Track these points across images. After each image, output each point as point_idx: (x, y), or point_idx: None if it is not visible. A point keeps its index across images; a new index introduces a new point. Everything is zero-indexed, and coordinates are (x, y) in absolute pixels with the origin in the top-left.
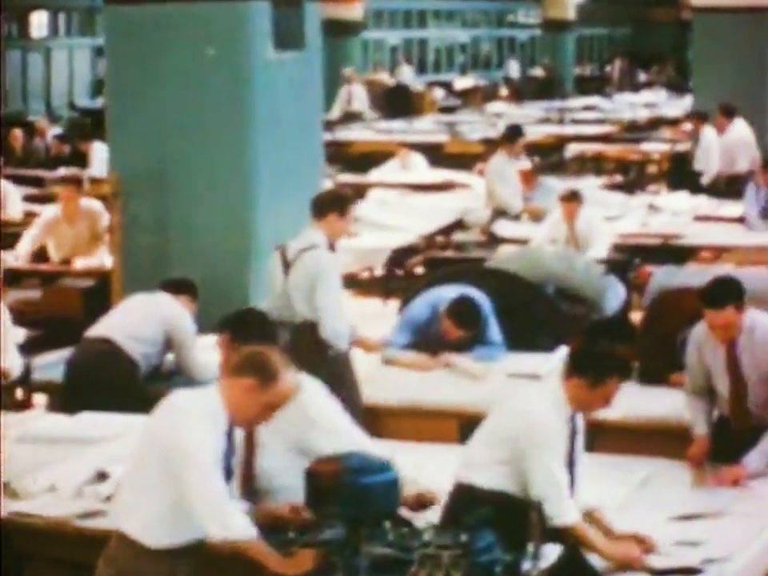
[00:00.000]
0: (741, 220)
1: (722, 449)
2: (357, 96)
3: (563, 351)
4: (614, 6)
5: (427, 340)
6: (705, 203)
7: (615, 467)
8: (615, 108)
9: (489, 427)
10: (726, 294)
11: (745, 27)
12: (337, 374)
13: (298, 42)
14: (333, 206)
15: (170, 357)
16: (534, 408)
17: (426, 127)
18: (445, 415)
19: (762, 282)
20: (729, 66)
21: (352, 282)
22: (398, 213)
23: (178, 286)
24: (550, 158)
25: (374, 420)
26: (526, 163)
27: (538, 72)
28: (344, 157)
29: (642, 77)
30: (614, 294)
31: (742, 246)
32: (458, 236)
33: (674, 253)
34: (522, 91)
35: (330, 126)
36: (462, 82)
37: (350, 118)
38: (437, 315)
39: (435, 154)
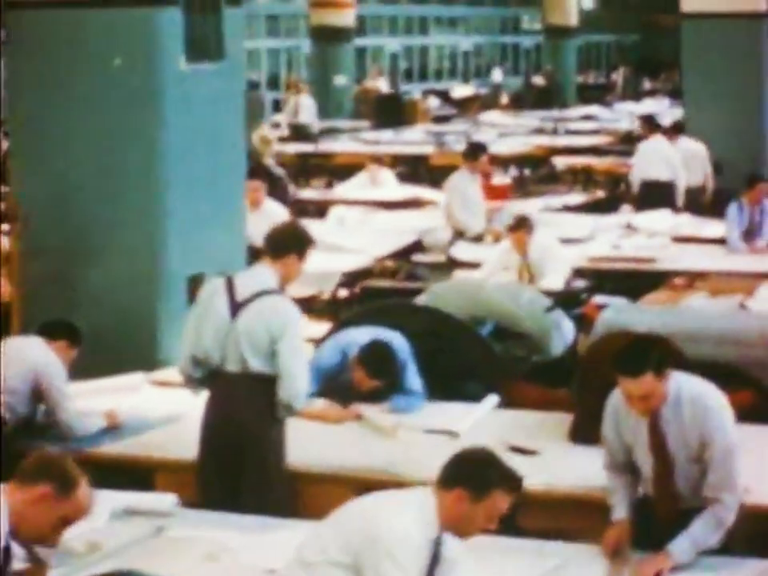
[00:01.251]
0: (723, 241)
1: (644, 534)
2: (305, 107)
3: (492, 401)
4: (622, 12)
5: (338, 389)
6: (687, 222)
7: (526, 552)
8: (614, 117)
9: (335, 523)
10: (644, 358)
11: (735, 33)
12: (277, 440)
13: (216, 53)
14: (293, 245)
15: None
16: (389, 517)
17: (415, 138)
18: (339, 481)
19: (733, 322)
20: (720, 72)
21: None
22: (354, 233)
23: (53, 331)
24: (538, 170)
25: None
26: (504, 178)
27: (538, 80)
28: (327, 168)
29: (647, 85)
30: (560, 333)
31: (719, 272)
32: (419, 257)
33: (646, 279)
34: (522, 100)
35: (312, 137)
36: (461, 91)
37: (296, 130)
38: (347, 362)
39: (420, 167)
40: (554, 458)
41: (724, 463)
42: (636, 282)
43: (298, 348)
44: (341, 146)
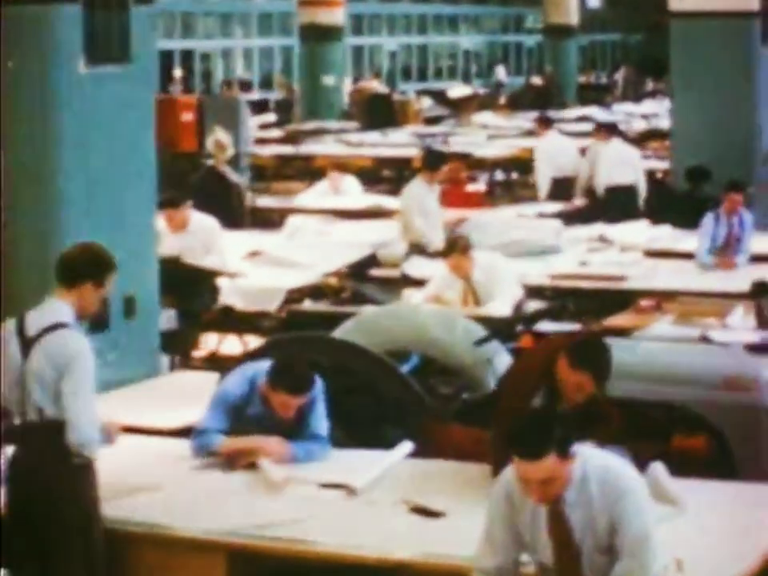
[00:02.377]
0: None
1: None
2: None
3: (404, 449)
4: (628, 12)
5: (246, 424)
6: (666, 235)
7: None
8: (611, 118)
9: None
10: (545, 437)
11: (726, 33)
12: (79, 491)
13: (122, 54)
14: (88, 273)
15: None
16: None
17: (402, 140)
18: (208, 547)
19: (689, 359)
20: (709, 74)
21: (243, 326)
22: (307, 245)
23: None
24: (524, 175)
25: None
26: (478, 185)
27: (536, 80)
28: (310, 171)
29: (650, 85)
30: (494, 369)
31: (691, 292)
32: (376, 272)
33: (613, 299)
34: (520, 100)
35: (293, 139)
36: (458, 90)
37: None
38: (256, 392)
39: (405, 170)
40: (462, 521)
41: (638, 552)
42: (602, 302)
43: (82, 387)
44: (323, 148)
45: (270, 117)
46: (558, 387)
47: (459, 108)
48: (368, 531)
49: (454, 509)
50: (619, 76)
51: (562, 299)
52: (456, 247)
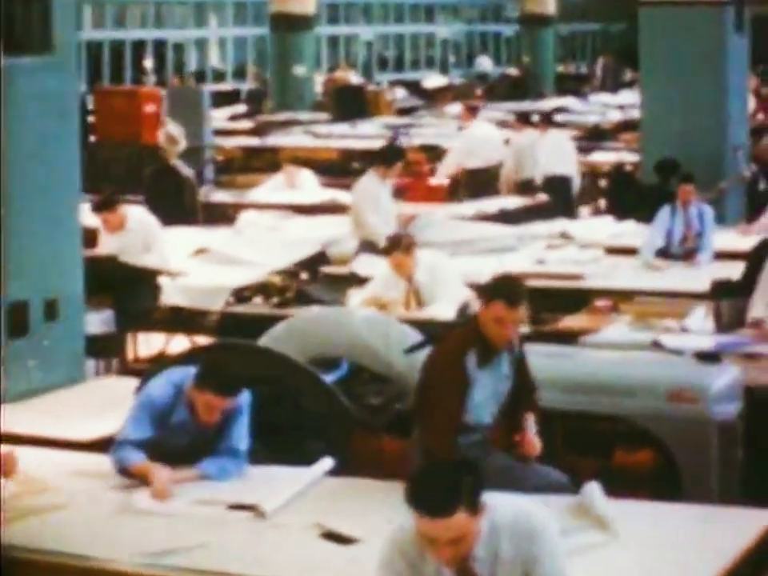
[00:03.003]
0: (663, 253)
1: None
2: None
3: (325, 465)
4: (609, 1)
5: (170, 431)
6: (630, 231)
7: None
8: (588, 109)
9: None
10: (454, 492)
11: (696, 22)
12: None
13: (42, 45)
14: None
15: None
16: None
17: (371, 131)
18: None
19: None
20: (679, 65)
21: (186, 326)
22: (255, 242)
23: None
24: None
25: None
26: (441, 179)
27: (512, 71)
28: (276, 164)
29: (630, 75)
30: None
31: (650, 291)
32: (326, 269)
33: (570, 299)
34: (495, 91)
35: (262, 130)
36: (433, 81)
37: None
38: (181, 397)
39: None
40: (376, 548)
41: None
42: (559, 302)
43: None
44: (290, 140)
45: (241, 108)
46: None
47: (434, 99)
48: (274, 558)
49: (371, 533)
50: (596, 66)
51: None
52: (399, 245)
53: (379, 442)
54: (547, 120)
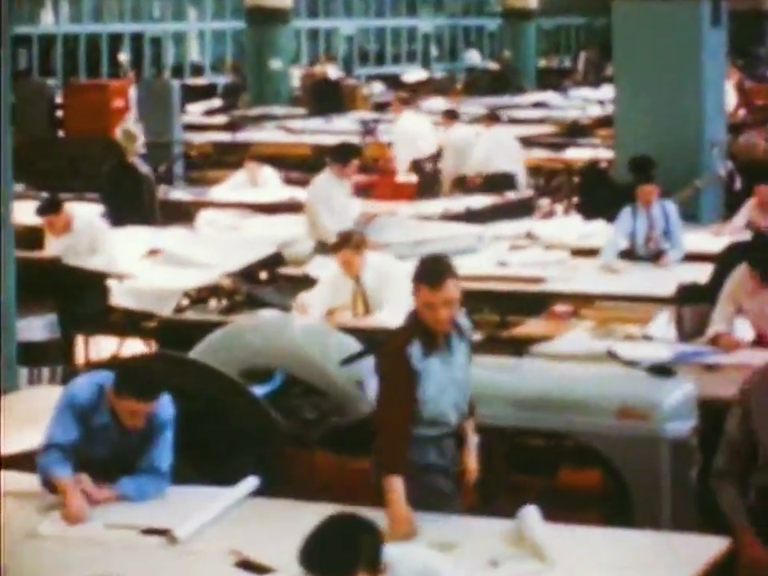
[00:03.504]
0: (630, 254)
1: None
2: None
3: (249, 485)
4: None
5: (92, 433)
6: (599, 231)
7: None
8: (568, 104)
9: None
10: (351, 553)
11: (671, 17)
12: None
13: None
14: None
15: None
16: None
17: (346, 126)
18: None
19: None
20: (654, 61)
21: (138, 329)
22: (208, 243)
23: None
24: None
25: None
26: (409, 176)
27: (492, 65)
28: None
29: (611, 69)
30: (366, 390)
31: (615, 295)
32: (284, 270)
33: (531, 303)
34: (475, 85)
35: (231, 126)
36: (413, 75)
37: None
38: (104, 398)
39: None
40: None
41: None
42: (520, 306)
43: None
44: (262, 135)
45: (216, 102)
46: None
47: (414, 93)
48: None
49: (290, 561)
50: (580, 60)
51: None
52: (348, 242)
53: (312, 457)
54: (492, 116)
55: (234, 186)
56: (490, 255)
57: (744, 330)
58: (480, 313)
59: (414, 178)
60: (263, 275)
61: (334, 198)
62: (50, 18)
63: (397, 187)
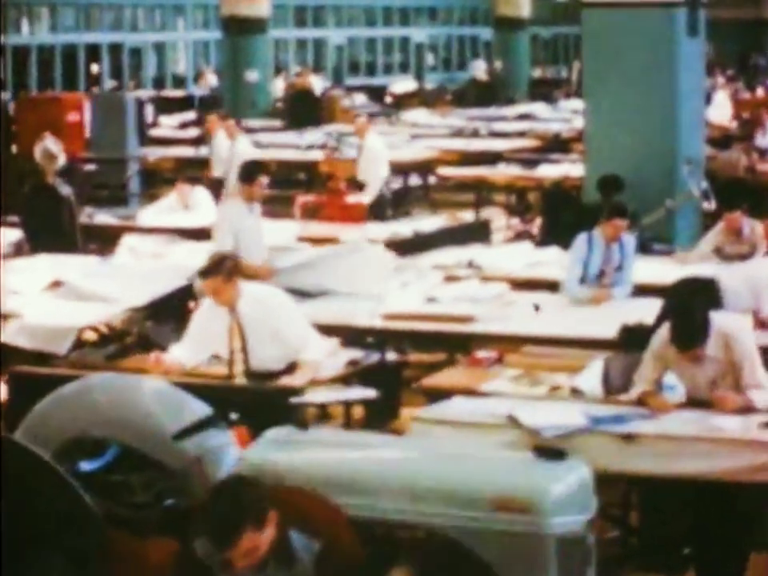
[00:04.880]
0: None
1: None
2: None
3: None
4: None
5: None
6: (553, 259)
7: None
8: (556, 116)
9: None
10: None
11: (645, 25)
12: None
13: None
14: None
15: None
16: None
17: (318, 140)
18: None
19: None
20: (626, 72)
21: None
22: (115, 275)
23: None
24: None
25: None
26: (360, 196)
27: (481, 75)
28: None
29: None
30: (206, 469)
31: (551, 337)
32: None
33: (458, 345)
34: (464, 96)
35: (196, 141)
36: (401, 86)
37: None
38: None
39: (313, 174)
40: None
41: None
42: (447, 347)
43: None
44: None
45: (191, 115)
46: None
47: (401, 104)
48: None
49: None
50: (574, 70)
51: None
52: (219, 269)
53: (144, 546)
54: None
55: (163, 208)
56: (421, 289)
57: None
58: (404, 354)
59: (364, 198)
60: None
61: (239, 222)
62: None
63: (346, 208)
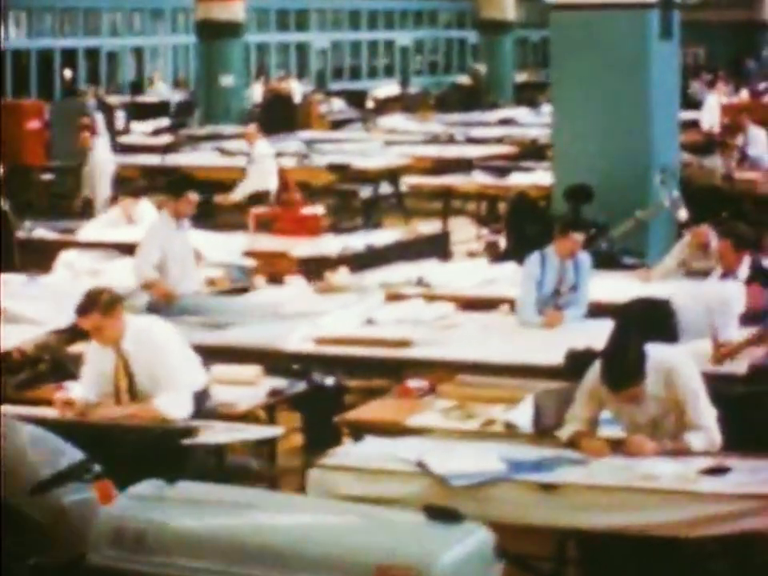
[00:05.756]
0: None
1: None
2: None
3: None
4: None
5: None
6: (508, 276)
7: None
8: (536, 121)
9: None
10: None
11: (616, 28)
12: None
13: None
14: None
15: None
16: None
17: (290, 148)
18: None
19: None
20: (595, 77)
21: None
22: (41, 296)
23: None
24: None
25: None
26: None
27: (463, 79)
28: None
29: None
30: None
31: (490, 363)
32: None
33: (384, 373)
34: (446, 101)
35: (163, 148)
36: (384, 90)
37: None
38: None
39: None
40: None
41: None
42: (383, 373)
43: None
44: (193, 158)
45: (165, 121)
46: None
47: (384, 109)
48: None
49: None
50: None
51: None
52: (95, 305)
53: None
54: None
55: (106, 223)
56: (362, 309)
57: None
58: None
59: (319, 210)
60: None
61: (167, 241)
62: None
63: (300, 220)
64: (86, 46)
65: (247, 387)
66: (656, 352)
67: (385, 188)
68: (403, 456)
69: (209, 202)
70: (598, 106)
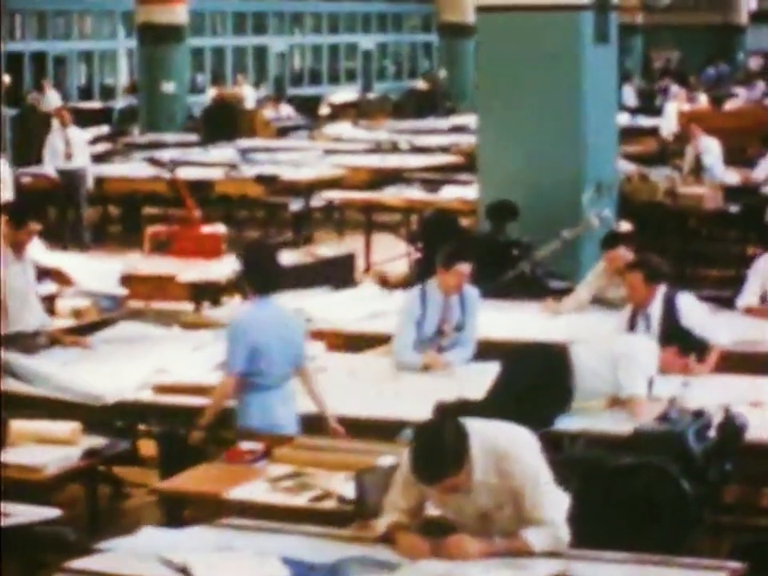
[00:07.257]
0: None
1: None
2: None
3: None
4: None
5: None
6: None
7: None
8: None
9: None
10: None
11: (546, 32)
12: None
13: None
14: None
15: None
16: None
17: (225, 158)
18: None
19: None
20: (524, 84)
21: None
22: None
23: None
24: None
25: None
26: (217, 226)
27: (420, 84)
28: (101, 197)
29: None
30: None
31: (350, 418)
32: None
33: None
34: (403, 106)
35: (94, 158)
36: (341, 96)
37: None
38: None
39: (209, 196)
40: None
41: None
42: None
43: None
44: (119, 169)
45: (105, 129)
46: None
47: (339, 115)
48: None
49: None
50: None
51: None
52: None
53: None
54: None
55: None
56: (216, 351)
57: None
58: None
59: (220, 229)
60: None
61: (12, 278)
62: None
63: (201, 239)
64: (32, 50)
65: (60, 447)
66: (486, 431)
67: (318, 200)
68: (169, 558)
69: (137, 215)
70: (526, 116)
